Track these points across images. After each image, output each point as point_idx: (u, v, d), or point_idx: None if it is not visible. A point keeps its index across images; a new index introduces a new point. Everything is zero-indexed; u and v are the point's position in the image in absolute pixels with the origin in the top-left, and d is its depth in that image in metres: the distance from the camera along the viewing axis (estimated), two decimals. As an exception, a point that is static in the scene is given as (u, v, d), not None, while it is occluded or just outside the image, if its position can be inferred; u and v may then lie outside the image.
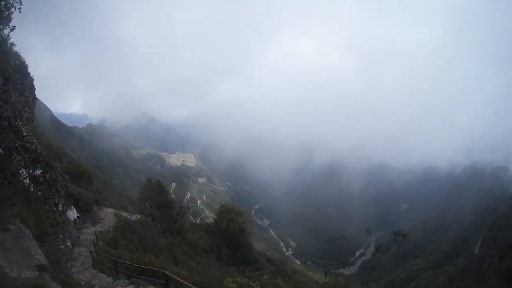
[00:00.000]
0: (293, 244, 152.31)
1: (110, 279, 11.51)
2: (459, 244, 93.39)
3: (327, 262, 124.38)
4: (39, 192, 10.69)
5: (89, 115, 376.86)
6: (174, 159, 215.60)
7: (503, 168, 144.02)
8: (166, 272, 9.20)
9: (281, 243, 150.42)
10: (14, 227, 4.73)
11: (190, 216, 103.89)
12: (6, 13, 6.30)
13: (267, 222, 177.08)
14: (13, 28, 7.26)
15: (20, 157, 9.09)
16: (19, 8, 6.59)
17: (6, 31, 8.10)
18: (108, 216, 23.43)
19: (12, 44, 10.96)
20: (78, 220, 17.55)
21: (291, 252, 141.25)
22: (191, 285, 8.42)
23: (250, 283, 10.99)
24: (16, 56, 12.01)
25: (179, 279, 9.00)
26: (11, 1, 6.21)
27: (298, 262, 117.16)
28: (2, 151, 7.38)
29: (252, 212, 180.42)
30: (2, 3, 6.13)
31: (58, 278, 5.76)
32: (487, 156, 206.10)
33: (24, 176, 9.35)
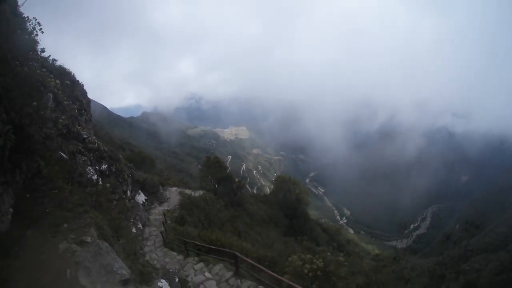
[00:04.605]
0: (347, 212, 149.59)
1: (180, 257, 12.28)
2: (518, 227, 79.42)
3: (380, 233, 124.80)
4: (108, 184, 11.62)
5: (142, 104, 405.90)
6: (228, 134, 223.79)
7: None
8: (237, 253, 9.35)
9: (335, 211, 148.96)
10: (89, 238, 4.89)
11: (247, 186, 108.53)
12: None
13: (322, 190, 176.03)
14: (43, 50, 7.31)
15: (85, 157, 9.84)
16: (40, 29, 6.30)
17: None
18: (173, 195, 25.27)
19: (54, 60, 11.53)
20: (146, 203, 19.18)
21: (345, 221, 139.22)
22: (261, 267, 8.49)
23: (314, 260, 10.85)
24: (62, 70, 12.65)
25: (248, 260, 9.11)
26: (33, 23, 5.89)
27: (352, 231, 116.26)
28: (66, 156, 7.93)
29: (307, 180, 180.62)
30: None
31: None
32: None
33: (91, 173, 10.13)
